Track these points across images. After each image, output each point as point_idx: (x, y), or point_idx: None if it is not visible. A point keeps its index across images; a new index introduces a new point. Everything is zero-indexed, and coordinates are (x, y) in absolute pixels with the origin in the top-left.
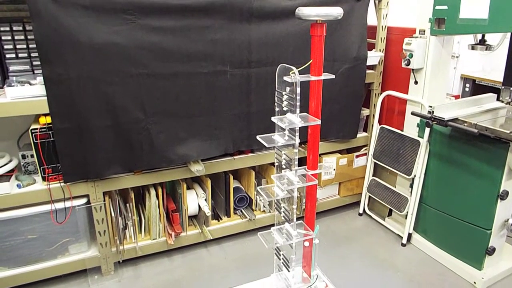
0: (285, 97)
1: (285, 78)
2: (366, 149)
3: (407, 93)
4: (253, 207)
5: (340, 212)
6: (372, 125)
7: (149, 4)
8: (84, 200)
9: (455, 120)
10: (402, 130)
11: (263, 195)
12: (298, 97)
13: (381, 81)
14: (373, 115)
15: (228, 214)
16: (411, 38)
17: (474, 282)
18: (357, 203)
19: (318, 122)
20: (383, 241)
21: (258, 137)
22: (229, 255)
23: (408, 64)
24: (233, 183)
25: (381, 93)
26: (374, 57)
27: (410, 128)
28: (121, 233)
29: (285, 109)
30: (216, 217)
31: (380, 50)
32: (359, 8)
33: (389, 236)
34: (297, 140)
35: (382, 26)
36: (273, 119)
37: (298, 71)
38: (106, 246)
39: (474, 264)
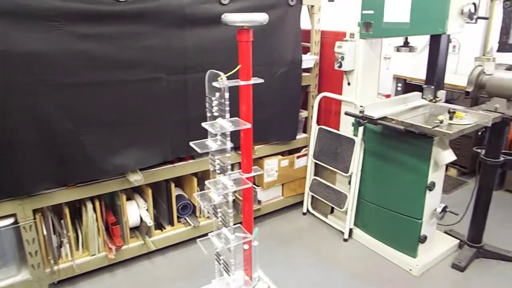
0: (215, 102)
1: (214, 83)
2: (306, 150)
3: (341, 94)
4: (197, 214)
5: (284, 212)
6: (311, 126)
7: (75, 10)
8: (10, 220)
9: (384, 118)
10: (338, 130)
11: (200, 201)
12: (227, 102)
13: (317, 83)
14: (311, 117)
15: (171, 223)
16: (342, 42)
17: (410, 270)
18: (301, 203)
19: (248, 126)
20: (327, 238)
21: (191, 143)
22: (174, 265)
23: (340, 66)
24: (175, 191)
25: (317, 95)
26: (309, 60)
27: (346, 127)
28: (56, 252)
29: (216, 114)
30: (159, 226)
31: (315, 54)
32: (293, 13)
33: (332, 233)
34: (229, 145)
35: (315, 30)
36: (204, 124)
37: (227, 76)
38: (38, 267)
39: (409, 252)
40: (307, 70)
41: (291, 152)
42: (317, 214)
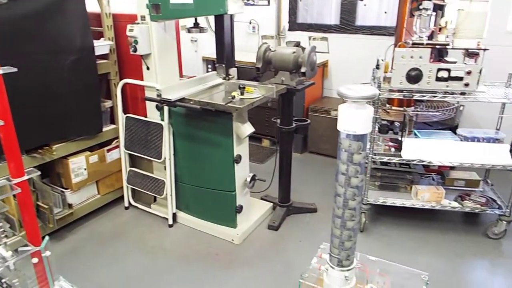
0: None
1: None
2: (117, 141)
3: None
4: None
5: (105, 211)
6: (118, 116)
7: None
8: None
9: (182, 100)
10: (146, 117)
11: None
12: None
13: (118, 70)
14: (117, 106)
15: None
16: (133, 25)
17: (232, 240)
18: (122, 198)
19: (2, 123)
20: (152, 227)
21: None
22: None
23: (135, 50)
24: None
25: (119, 82)
26: (103, 46)
27: (153, 113)
28: None
29: None
30: None
31: (109, 39)
32: None
33: (157, 221)
34: None
35: (106, 14)
36: None
37: None
38: None
39: (229, 224)
40: (104, 57)
41: (102, 145)
42: (140, 205)
